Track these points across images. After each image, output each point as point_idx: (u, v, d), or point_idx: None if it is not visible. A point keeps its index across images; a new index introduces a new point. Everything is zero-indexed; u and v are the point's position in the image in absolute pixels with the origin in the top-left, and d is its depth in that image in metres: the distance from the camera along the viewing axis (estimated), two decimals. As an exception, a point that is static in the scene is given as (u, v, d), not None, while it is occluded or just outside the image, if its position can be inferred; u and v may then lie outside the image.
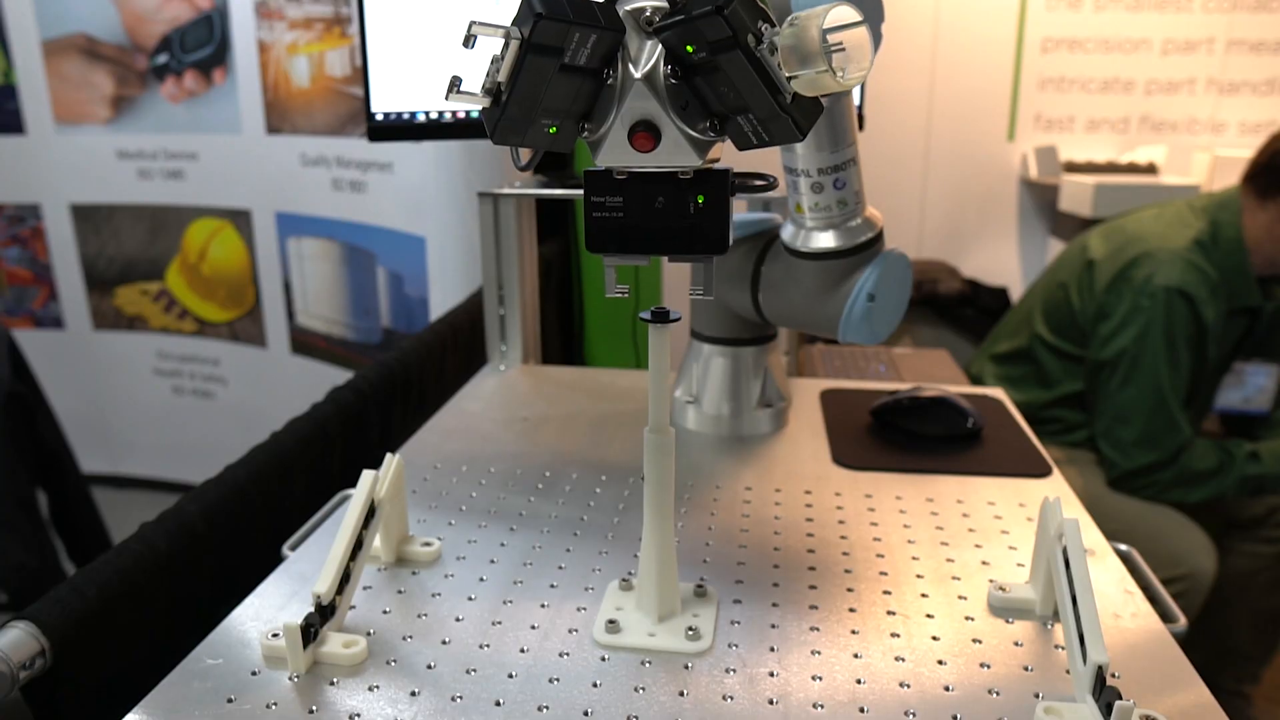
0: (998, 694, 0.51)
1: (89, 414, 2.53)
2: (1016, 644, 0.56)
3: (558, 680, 0.52)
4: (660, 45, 0.47)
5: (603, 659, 0.54)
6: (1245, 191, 1.48)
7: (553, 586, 0.62)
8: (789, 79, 0.44)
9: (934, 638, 0.56)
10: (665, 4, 0.47)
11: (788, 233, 0.79)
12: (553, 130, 0.49)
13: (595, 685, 0.52)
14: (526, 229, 1.09)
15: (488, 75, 0.47)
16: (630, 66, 0.48)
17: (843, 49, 0.43)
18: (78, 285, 2.46)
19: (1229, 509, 1.59)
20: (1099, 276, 1.52)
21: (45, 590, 0.64)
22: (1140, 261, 1.47)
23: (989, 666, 0.53)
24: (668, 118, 0.48)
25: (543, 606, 0.60)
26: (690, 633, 0.55)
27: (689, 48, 0.46)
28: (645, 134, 0.48)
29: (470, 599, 0.61)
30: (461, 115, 1.04)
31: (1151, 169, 2.50)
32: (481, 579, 0.63)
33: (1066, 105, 2.66)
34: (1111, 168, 2.54)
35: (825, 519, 0.72)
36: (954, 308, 2.58)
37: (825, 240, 0.76)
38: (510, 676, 0.52)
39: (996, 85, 2.66)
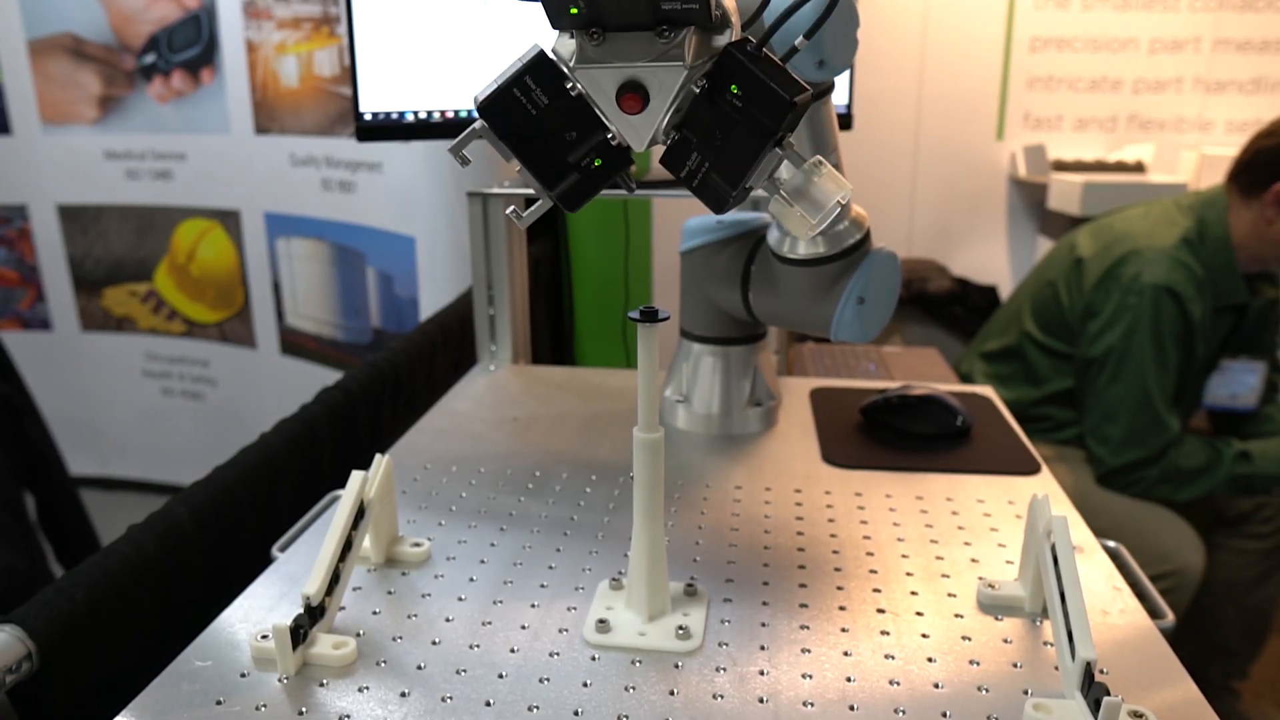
0: (987, 691, 0.51)
1: (77, 416, 2.52)
2: (1006, 641, 0.56)
3: (548, 680, 0.52)
4: (719, 61, 0.48)
5: (593, 658, 0.54)
6: (1231, 190, 1.49)
7: (543, 586, 0.62)
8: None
9: (923, 635, 0.56)
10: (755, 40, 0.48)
11: (773, 238, 0.79)
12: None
13: (586, 685, 0.52)
14: (516, 229, 1.09)
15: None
16: (686, 51, 0.47)
17: (825, 217, 0.50)
18: (65, 286, 2.45)
19: (1217, 505, 1.60)
20: (1087, 274, 1.53)
21: (33, 593, 0.64)
22: (1128, 259, 1.47)
23: (978, 664, 0.54)
24: (665, 104, 0.48)
25: (533, 606, 0.60)
26: (680, 632, 0.55)
27: (734, 88, 0.47)
28: (636, 98, 0.48)
29: (460, 599, 0.61)
30: (450, 114, 1.04)
31: (1139, 167, 2.51)
32: (471, 579, 0.63)
33: (1055, 104, 2.67)
34: (1099, 166, 2.56)
35: (815, 517, 0.72)
36: (943, 306, 2.59)
37: (813, 246, 0.76)
38: (501, 677, 0.52)
39: (985, 84, 2.67)
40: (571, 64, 0.49)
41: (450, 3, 0.99)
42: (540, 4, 0.47)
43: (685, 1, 0.45)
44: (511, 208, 0.54)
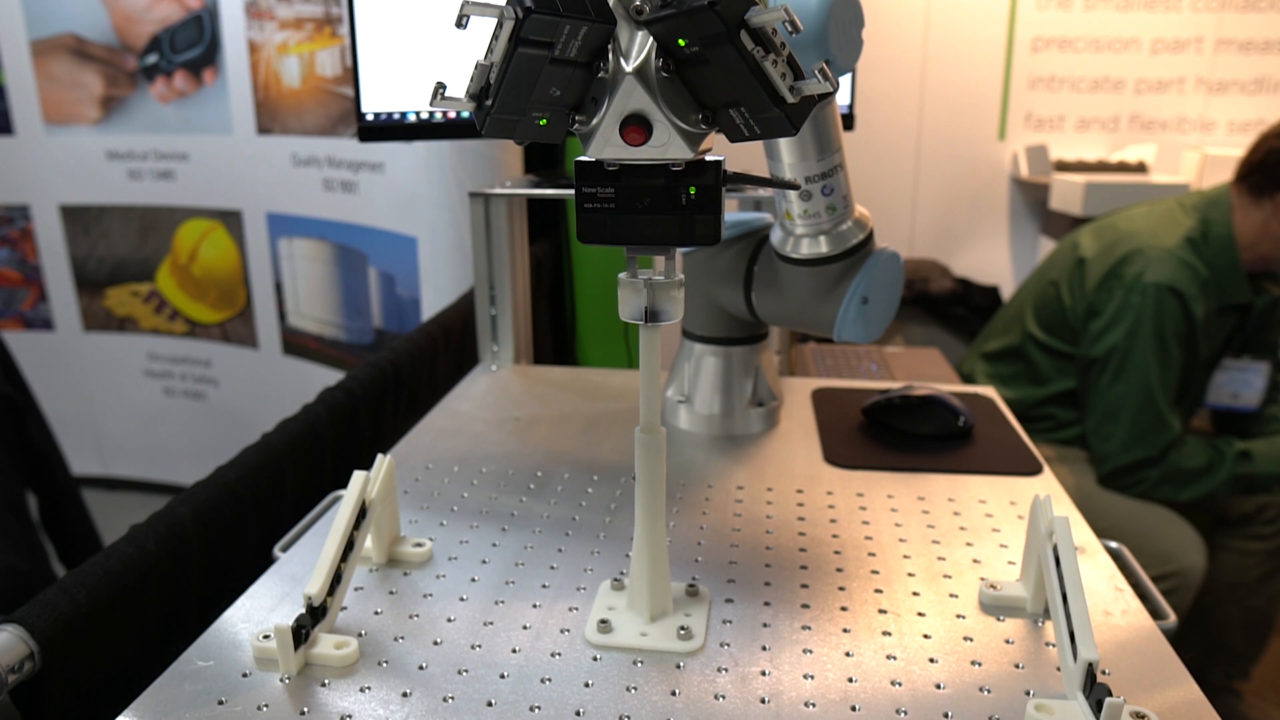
0: (989, 691, 0.51)
1: (79, 415, 2.52)
2: (1008, 642, 0.56)
3: (550, 680, 0.52)
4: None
5: (595, 659, 0.54)
6: (1238, 190, 1.49)
7: (544, 587, 0.62)
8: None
9: (925, 636, 0.56)
10: None
11: (777, 238, 0.79)
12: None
13: (587, 685, 0.52)
14: (518, 229, 1.09)
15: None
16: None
17: None
18: (67, 286, 2.45)
19: (1219, 506, 1.60)
20: (1090, 274, 1.52)
21: (35, 593, 0.64)
22: (1131, 259, 1.47)
23: (980, 664, 0.54)
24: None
25: (534, 607, 0.60)
26: (682, 632, 0.55)
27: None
28: (636, 128, 0.47)
29: (462, 599, 0.61)
30: (452, 115, 1.04)
31: (1141, 168, 2.51)
32: (473, 579, 0.63)
33: (1057, 104, 2.67)
34: (1102, 166, 2.55)
35: (817, 518, 0.72)
36: (945, 306, 2.59)
37: (816, 246, 0.76)
38: (502, 677, 0.52)
39: (987, 84, 2.67)
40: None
41: (452, 3, 0.99)
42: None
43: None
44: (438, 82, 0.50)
